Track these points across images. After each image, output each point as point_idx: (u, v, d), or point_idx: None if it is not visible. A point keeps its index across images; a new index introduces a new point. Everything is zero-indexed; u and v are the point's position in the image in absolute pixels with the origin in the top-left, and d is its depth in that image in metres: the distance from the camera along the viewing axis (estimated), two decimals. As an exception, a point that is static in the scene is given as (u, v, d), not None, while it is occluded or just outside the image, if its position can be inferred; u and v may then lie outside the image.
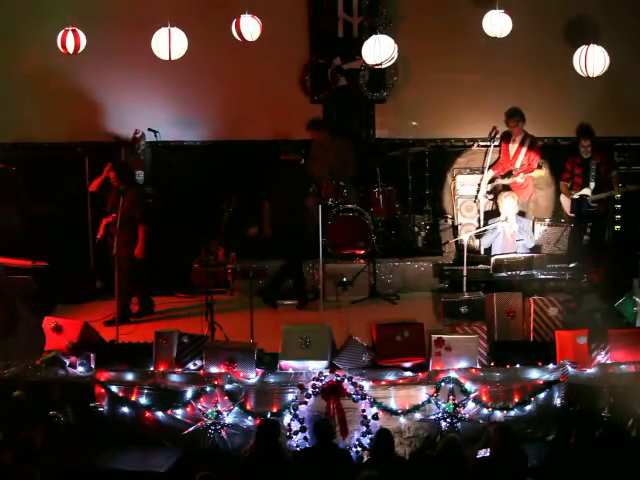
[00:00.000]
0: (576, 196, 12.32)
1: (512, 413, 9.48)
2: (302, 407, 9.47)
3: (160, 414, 9.57)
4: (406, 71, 13.95)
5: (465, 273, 10.95)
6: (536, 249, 11.92)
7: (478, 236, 12.27)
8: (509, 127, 12.66)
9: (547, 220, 12.97)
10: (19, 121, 14.24)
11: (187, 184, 13.59)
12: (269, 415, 9.40)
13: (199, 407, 9.53)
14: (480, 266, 11.35)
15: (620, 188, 12.39)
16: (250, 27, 11.59)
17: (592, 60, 11.17)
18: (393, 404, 9.50)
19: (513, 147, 12.63)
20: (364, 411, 9.45)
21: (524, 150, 12.51)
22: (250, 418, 9.48)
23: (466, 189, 13.26)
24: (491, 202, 12.68)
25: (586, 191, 12.35)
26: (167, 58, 11.49)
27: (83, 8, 13.64)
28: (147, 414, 9.60)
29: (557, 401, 9.44)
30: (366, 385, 9.50)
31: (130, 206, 11.40)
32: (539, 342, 9.96)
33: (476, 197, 12.71)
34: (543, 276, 11.16)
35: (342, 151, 13.16)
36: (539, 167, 12.62)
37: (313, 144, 13.15)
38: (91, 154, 13.03)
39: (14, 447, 8.49)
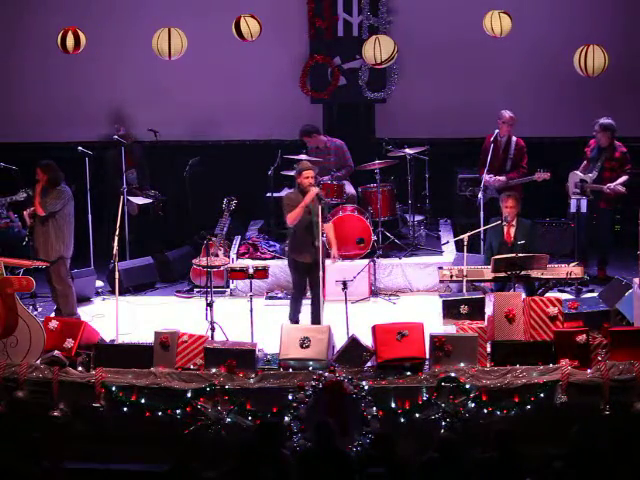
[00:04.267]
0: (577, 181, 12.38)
1: (512, 413, 9.48)
2: (302, 407, 9.47)
3: (160, 414, 9.57)
4: (406, 71, 13.96)
5: (465, 273, 10.95)
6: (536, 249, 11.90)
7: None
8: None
9: (547, 220, 12.96)
10: (20, 121, 14.28)
11: (186, 184, 13.61)
12: (269, 415, 9.40)
13: (199, 407, 9.53)
14: (480, 266, 11.33)
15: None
16: (250, 27, 11.60)
17: (592, 60, 11.19)
18: (393, 404, 9.50)
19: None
20: (364, 411, 9.44)
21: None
22: (250, 418, 9.48)
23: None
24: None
25: (587, 177, 12.38)
26: (167, 58, 11.50)
27: (83, 8, 13.68)
28: (147, 414, 9.59)
29: (557, 401, 9.44)
30: (366, 385, 9.50)
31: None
32: (539, 342, 9.95)
33: (476, 197, 12.70)
34: (543, 276, 11.14)
35: (337, 152, 13.15)
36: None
37: (310, 148, 13.15)
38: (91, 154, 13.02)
39: (17, 447, 8.48)
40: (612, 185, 12.30)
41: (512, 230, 11.51)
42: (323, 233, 12.12)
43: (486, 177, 12.60)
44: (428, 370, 9.67)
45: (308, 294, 10.97)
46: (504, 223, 11.49)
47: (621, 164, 12.43)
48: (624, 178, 12.40)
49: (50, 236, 11.05)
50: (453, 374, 9.53)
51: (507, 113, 12.69)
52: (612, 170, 12.42)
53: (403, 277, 12.59)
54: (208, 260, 11.14)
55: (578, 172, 12.48)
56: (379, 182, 12.76)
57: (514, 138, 12.76)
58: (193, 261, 12.30)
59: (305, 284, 10.86)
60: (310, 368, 9.69)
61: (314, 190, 10.56)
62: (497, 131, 12.68)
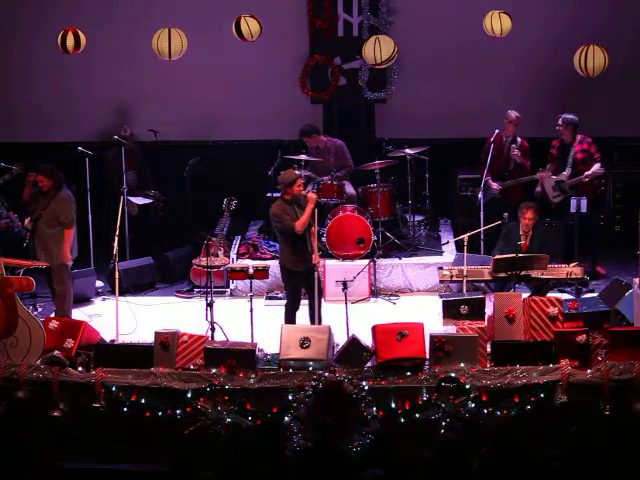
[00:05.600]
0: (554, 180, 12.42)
1: (512, 413, 9.47)
2: (302, 407, 9.47)
3: (160, 414, 9.56)
4: (406, 71, 13.97)
5: (465, 273, 10.95)
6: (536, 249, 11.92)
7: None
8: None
9: (547, 220, 12.97)
10: (20, 121, 14.28)
11: (186, 184, 13.62)
12: (269, 415, 9.40)
13: (199, 407, 9.53)
14: (480, 266, 11.34)
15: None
16: (250, 27, 11.60)
17: (592, 60, 11.20)
18: (393, 404, 9.50)
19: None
20: (364, 411, 9.44)
21: None
22: (250, 418, 9.48)
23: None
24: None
25: (561, 177, 12.44)
26: (167, 58, 11.51)
27: (83, 8, 13.68)
28: (147, 414, 9.59)
29: (557, 401, 9.43)
30: (366, 385, 9.50)
31: (55, 209, 11.06)
32: (539, 342, 9.95)
33: (476, 197, 12.70)
34: (543, 276, 11.15)
35: (337, 152, 13.16)
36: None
37: (310, 148, 13.16)
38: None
39: (16, 447, 8.48)
40: (589, 172, 12.37)
41: (528, 239, 11.63)
42: (322, 235, 12.18)
43: (493, 185, 12.66)
44: (428, 370, 9.66)
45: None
46: (522, 232, 11.58)
47: (590, 154, 12.50)
48: (597, 166, 12.46)
49: (55, 240, 11.03)
50: (453, 374, 9.52)
51: (513, 113, 12.69)
52: (584, 162, 12.49)
53: (403, 277, 12.59)
54: (208, 260, 11.14)
55: (552, 176, 12.50)
56: (379, 182, 12.77)
57: (519, 139, 12.78)
58: (193, 261, 12.30)
59: (300, 292, 10.83)
60: (310, 368, 9.68)
61: (314, 196, 10.60)
62: (497, 131, 12.68)
